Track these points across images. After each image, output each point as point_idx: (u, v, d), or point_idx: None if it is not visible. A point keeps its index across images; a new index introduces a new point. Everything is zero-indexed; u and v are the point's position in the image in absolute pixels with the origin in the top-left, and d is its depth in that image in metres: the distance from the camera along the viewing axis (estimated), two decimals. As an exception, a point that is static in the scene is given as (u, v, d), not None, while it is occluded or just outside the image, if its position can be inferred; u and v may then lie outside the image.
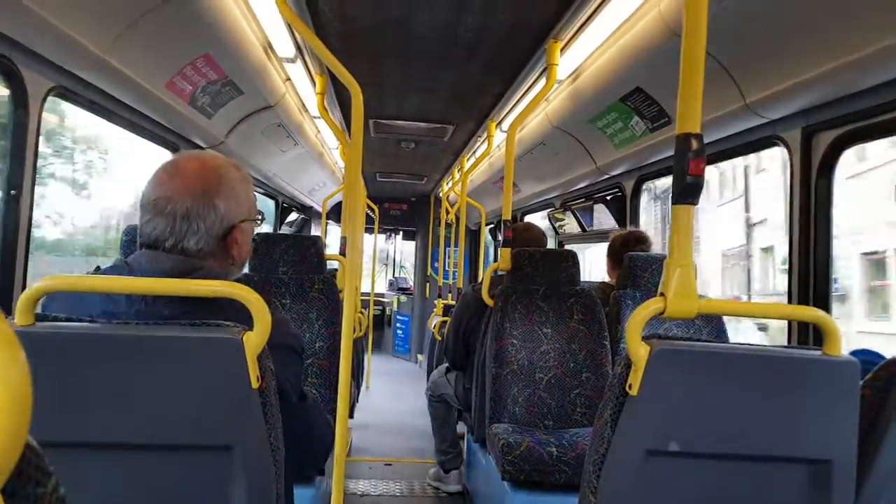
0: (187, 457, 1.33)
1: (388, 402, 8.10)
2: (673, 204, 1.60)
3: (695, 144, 1.55)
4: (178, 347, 1.30)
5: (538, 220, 7.61)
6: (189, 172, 1.54)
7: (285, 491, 1.68)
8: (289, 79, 4.51)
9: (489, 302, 3.87)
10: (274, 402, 1.40)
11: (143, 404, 1.29)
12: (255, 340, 1.32)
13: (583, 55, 3.74)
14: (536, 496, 3.12)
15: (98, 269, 1.50)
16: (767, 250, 15.58)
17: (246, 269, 3.61)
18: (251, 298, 1.35)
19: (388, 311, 12.48)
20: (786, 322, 3.13)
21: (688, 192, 1.57)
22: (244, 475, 1.33)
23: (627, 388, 1.51)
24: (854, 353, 2.63)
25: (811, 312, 1.70)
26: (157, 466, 1.33)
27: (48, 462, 0.58)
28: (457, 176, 7.78)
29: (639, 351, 1.48)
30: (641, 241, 4.12)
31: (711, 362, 1.52)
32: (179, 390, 1.31)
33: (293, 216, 9.25)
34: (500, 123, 5.46)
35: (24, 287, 2.49)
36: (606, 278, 4.37)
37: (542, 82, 3.86)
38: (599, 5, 3.08)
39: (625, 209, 5.04)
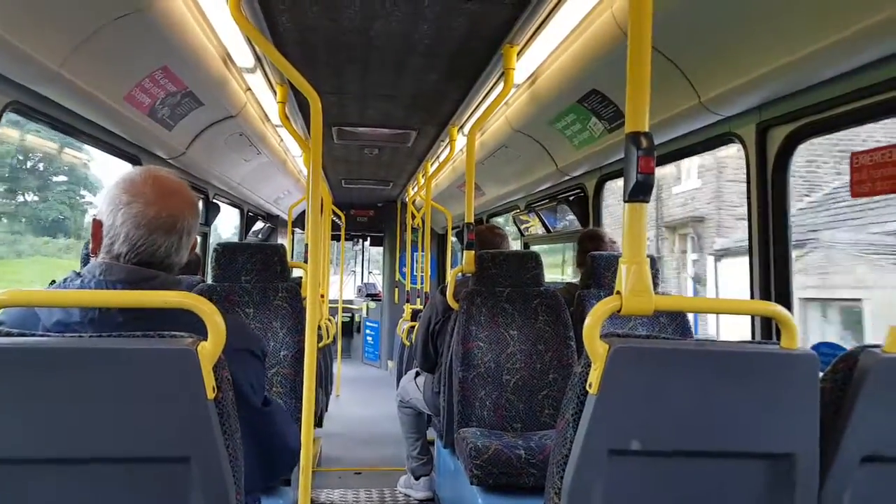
0: (144, 469, 1.33)
1: (358, 409, 8.07)
2: (625, 202, 1.62)
3: (644, 143, 1.57)
4: (131, 359, 1.29)
5: (502, 223, 7.65)
6: (183, 189, 1.62)
7: (249, 501, 1.68)
8: (249, 89, 4.49)
9: (454, 305, 3.87)
10: (231, 413, 1.40)
11: (98, 417, 1.28)
12: (209, 350, 1.32)
13: (539, 59, 3.77)
14: (505, 499, 3.12)
15: (53, 283, 1.50)
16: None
17: (209, 280, 3.59)
18: (204, 308, 1.35)
19: (357, 318, 12.42)
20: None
21: (639, 189, 1.59)
22: (202, 487, 1.32)
23: (588, 388, 1.51)
24: (817, 346, 2.69)
25: (767, 307, 1.72)
26: (114, 480, 1.32)
27: None
28: (421, 181, 7.78)
29: (597, 349, 1.49)
30: (595, 238, 4.17)
31: (670, 359, 1.53)
32: (134, 403, 1.30)
33: (259, 225, 9.20)
34: (461, 128, 5.47)
35: None
36: None
37: (501, 87, 3.88)
38: (553, 9, 3.09)
39: (588, 209, 5.08)
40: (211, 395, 1.31)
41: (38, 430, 1.27)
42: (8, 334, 1.31)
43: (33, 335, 1.33)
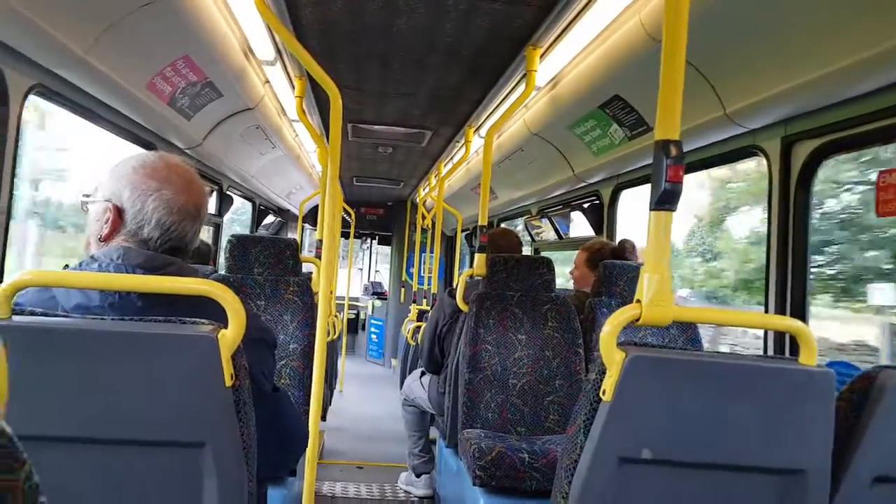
0: (160, 453, 1.33)
1: (361, 405, 8.08)
2: (651, 210, 1.61)
3: (674, 151, 1.56)
4: (152, 343, 1.30)
5: (515, 228, 7.64)
6: (197, 177, 1.64)
7: (258, 490, 1.68)
8: (268, 81, 4.50)
9: (464, 307, 3.86)
10: (247, 400, 1.40)
11: (116, 399, 1.29)
12: (229, 338, 1.32)
13: (562, 62, 3.75)
14: (507, 502, 3.12)
15: (66, 267, 1.50)
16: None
17: (221, 270, 3.59)
18: (227, 297, 1.35)
19: (362, 316, 12.44)
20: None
21: (666, 198, 1.58)
22: (216, 472, 1.33)
23: (601, 395, 1.51)
24: (831, 364, 2.67)
25: (787, 322, 1.71)
26: (130, 462, 1.32)
27: (22, 450, 0.57)
28: (434, 181, 7.77)
29: (613, 357, 1.49)
30: (616, 255, 4.08)
31: (686, 370, 1.52)
32: (153, 386, 1.30)
33: (270, 219, 9.22)
34: (478, 129, 5.46)
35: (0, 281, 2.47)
36: None
37: (521, 89, 3.87)
38: (580, 12, 3.08)
39: (602, 217, 5.06)
40: (229, 382, 1.32)
41: (58, 410, 1.28)
42: (31, 314, 1.31)
43: (56, 315, 1.34)
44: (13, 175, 2.62)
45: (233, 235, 3.53)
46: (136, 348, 1.30)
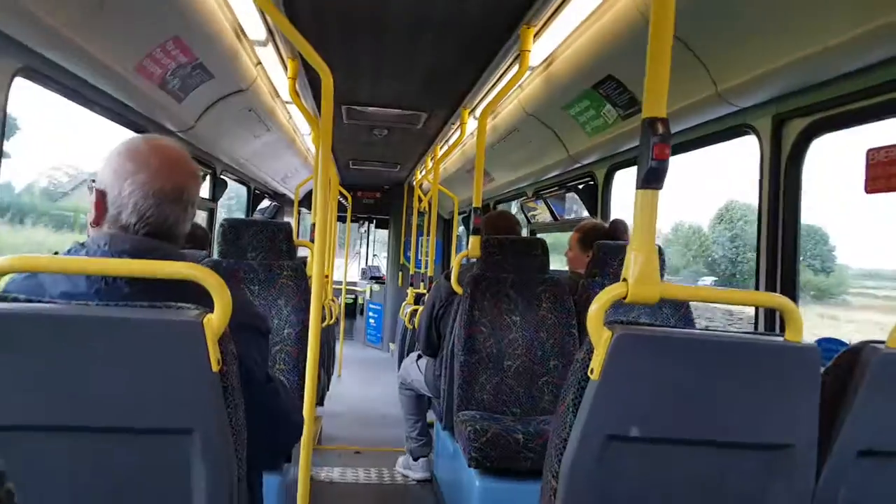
0: (147, 440, 1.33)
1: (359, 390, 8.10)
2: (637, 189, 1.60)
3: (660, 128, 1.55)
4: (137, 329, 1.30)
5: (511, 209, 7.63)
6: (187, 159, 1.61)
7: (255, 477, 1.68)
8: (260, 63, 4.47)
9: (458, 290, 3.87)
10: (236, 386, 1.40)
11: (103, 386, 1.29)
12: (215, 323, 1.32)
13: (556, 42, 3.73)
14: (502, 482, 3.13)
15: (55, 255, 1.49)
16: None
17: (215, 255, 3.58)
18: (211, 281, 1.34)
19: (360, 300, 12.44)
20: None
21: (652, 176, 1.57)
22: (204, 459, 1.33)
23: (589, 373, 1.51)
24: (819, 341, 2.68)
25: (774, 299, 1.71)
26: (118, 449, 1.33)
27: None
28: (430, 164, 7.75)
29: (600, 335, 1.50)
30: (608, 235, 4.05)
31: (673, 348, 1.54)
32: (139, 373, 1.30)
33: (265, 203, 9.20)
34: (472, 111, 5.45)
35: None
36: None
37: (516, 69, 3.85)
38: (573, -9, 3.07)
39: (596, 198, 5.05)
40: (216, 367, 1.32)
41: (43, 398, 1.28)
42: (15, 300, 1.31)
43: (41, 301, 1.33)
44: None
45: (225, 219, 3.52)
46: (121, 334, 1.29)
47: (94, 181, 1.56)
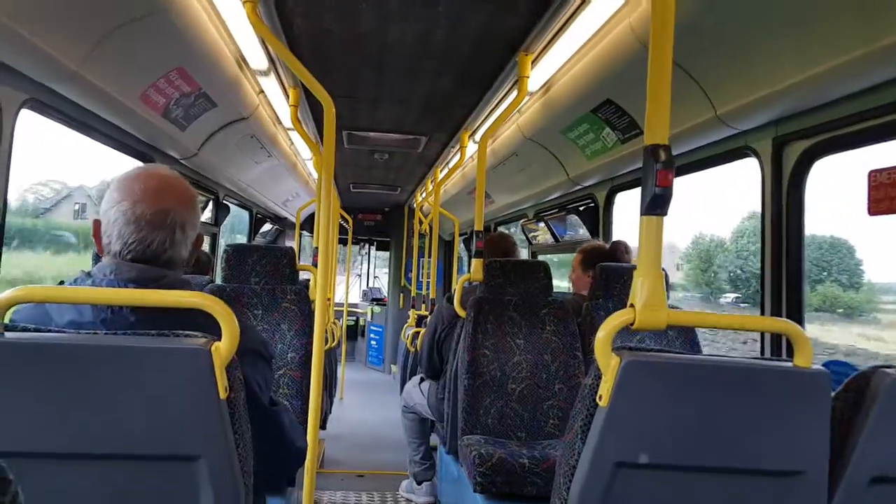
0: (155, 467, 1.34)
1: (362, 413, 8.06)
2: (641, 215, 1.61)
3: (663, 155, 1.57)
4: (145, 357, 1.30)
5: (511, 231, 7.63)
6: (177, 184, 1.60)
7: (259, 502, 1.68)
8: (262, 91, 4.50)
9: (461, 313, 3.87)
10: (242, 413, 1.41)
11: (111, 414, 1.29)
12: (223, 351, 1.33)
13: (553, 67, 3.76)
14: None
15: (62, 283, 1.50)
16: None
17: (218, 280, 3.59)
18: (219, 309, 1.35)
19: (361, 322, 12.42)
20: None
21: (656, 203, 1.58)
22: (211, 485, 1.33)
23: (597, 400, 1.51)
24: (827, 364, 2.67)
25: (781, 324, 1.71)
26: (125, 476, 1.33)
27: (9, 471, 0.58)
28: (430, 187, 7.77)
29: (608, 362, 1.49)
30: (609, 256, 4.07)
31: (682, 374, 1.53)
32: (147, 401, 1.31)
33: (267, 227, 9.21)
34: (472, 134, 5.47)
35: None
36: None
37: (514, 94, 3.87)
38: (569, 18, 3.09)
39: (597, 220, 5.07)
40: (224, 394, 1.33)
41: (51, 426, 1.28)
42: (24, 330, 1.32)
43: (49, 331, 1.34)
44: (6, 190, 2.62)
45: (229, 245, 3.54)
46: (129, 363, 1.30)
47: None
